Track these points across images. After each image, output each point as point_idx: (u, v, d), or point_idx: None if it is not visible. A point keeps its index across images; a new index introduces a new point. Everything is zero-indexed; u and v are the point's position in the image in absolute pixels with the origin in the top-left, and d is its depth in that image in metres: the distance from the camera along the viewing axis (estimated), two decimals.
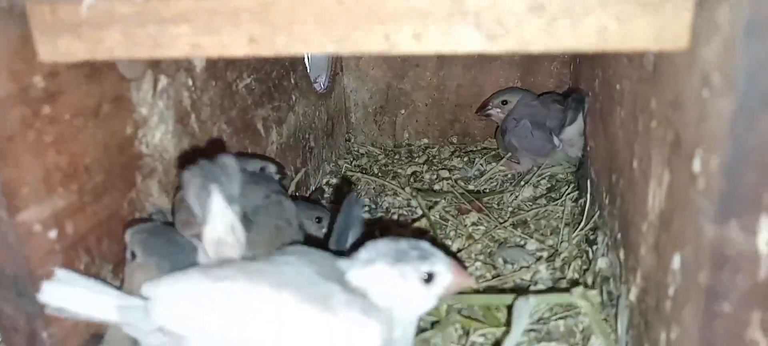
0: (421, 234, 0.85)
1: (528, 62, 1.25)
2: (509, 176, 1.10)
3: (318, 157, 1.16)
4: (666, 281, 0.46)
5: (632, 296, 0.58)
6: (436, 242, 0.54)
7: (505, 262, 0.79)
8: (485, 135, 1.31)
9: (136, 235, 0.56)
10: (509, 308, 0.64)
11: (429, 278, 0.51)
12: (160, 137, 0.65)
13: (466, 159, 1.20)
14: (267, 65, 0.93)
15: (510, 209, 0.96)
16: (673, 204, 0.44)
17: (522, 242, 0.84)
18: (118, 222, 0.59)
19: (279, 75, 0.98)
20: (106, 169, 0.57)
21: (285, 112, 1.00)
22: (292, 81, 1.04)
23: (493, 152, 1.22)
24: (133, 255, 0.56)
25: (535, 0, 0.38)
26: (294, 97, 1.04)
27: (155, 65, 0.64)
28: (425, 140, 1.34)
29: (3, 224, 0.47)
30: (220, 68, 0.78)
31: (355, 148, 1.33)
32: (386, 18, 0.40)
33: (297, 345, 0.48)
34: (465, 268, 0.58)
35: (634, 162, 0.59)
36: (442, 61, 1.28)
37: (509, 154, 1.13)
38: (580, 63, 1.10)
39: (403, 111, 1.34)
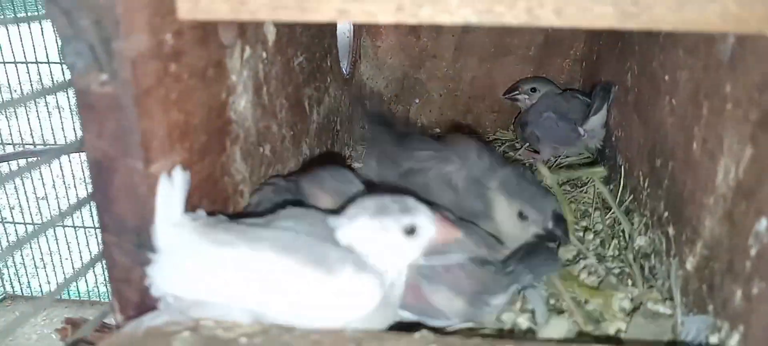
0: None
1: (541, 58, 1.31)
2: (527, 164, 1.16)
3: (341, 141, 1.19)
4: (746, 244, 0.51)
5: (689, 266, 0.64)
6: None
7: None
8: (496, 126, 1.37)
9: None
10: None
11: (411, 231, 0.54)
12: (243, 105, 0.67)
13: None
14: (313, 45, 0.95)
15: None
16: (759, 174, 0.50)
17: None
18: (211, 184, 0.61)
19: (321, 56, 1.00)
20: (208, 131, 0.59)
21: (322, 94, 1.03)
22: (328, 64, 1.06)
23: (507, 143, 1.28)
24: None
25: None
26: (328, 80, 1.07)
27: (242, 34, 0.66)
28: (437, 130, 1.38)
29: (136, 175, 0.49)
30: (283, 44, 0.80)
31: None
32: None
33: (300, 306, 0.50)
34: (451, 223, 0.59)
35: (693, 144, 0.64)
36: (459, 53, 1.33)
37: (527, 144, 1.19)
38: (597, 60, 1.17)
39: (417, 100, 1.39)
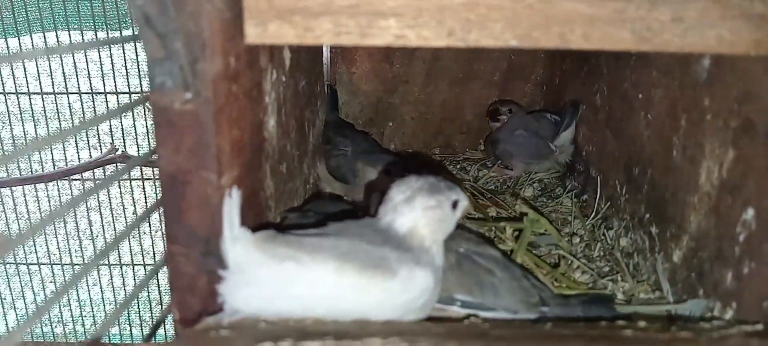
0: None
1: (504, 82, 1.42)
2: (501, 180, 1.25)
3: (323, 162, 1.23)
4: (734, 232, 0.61)
5: (676, 258, 0.73)
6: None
7: (539, 246, 0.92)
8: (465, 147, 1.45)
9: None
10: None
11: (455, 205, 0.63)
12: (272, 126, 0.72)
13: (458, 167, 1.32)
14: (311, 70, 1.00)
15: (516, 206, 1.10)
16: (743, 172, 0.59)
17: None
18: (253, 198, 0.65)
19: (315, 81, 1.05)
20: (252, 148, 0.63)
21: (315, 117, 1.08)
22: (319, 88, 1.11)
23: (478, 162, 1.36)
24: None
25: (676, 13, 0.52)
26: (319, 104, 1.12)
27: (272, 58, 0.70)
28: (410, 151, 1.45)
29: (210, 187, 0.53)
30: (294, 68, 0.85)
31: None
32: (563, 21, 0.52)
33: (368, 308, 0.55)
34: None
35: (673, 152, 0.74)
36: (430, 78, 1.42)
37: (499, 161, 1.28)
38: (560, 83, 1.28)
39: (391, 123, 1.45)
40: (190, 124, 0.50)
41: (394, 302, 0.55)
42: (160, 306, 2.14)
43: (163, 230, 0.55)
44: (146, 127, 2.06)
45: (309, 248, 0.54)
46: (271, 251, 0.53)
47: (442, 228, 0.62)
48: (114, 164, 1.66)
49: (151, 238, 2.10)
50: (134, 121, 2.11)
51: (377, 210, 0.64)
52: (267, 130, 0.69)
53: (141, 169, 1.93)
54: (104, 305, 2.20)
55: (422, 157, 1.37)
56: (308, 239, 0.56)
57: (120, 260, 2.09)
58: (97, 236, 2.14)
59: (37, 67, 2.01)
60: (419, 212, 0.59)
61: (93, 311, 2.22)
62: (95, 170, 1.90)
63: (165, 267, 0.63)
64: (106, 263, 2.06)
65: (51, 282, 2.18)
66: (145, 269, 2.10)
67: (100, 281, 2.15)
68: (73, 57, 1.97)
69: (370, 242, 0.57)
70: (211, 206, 0.53)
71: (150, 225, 2.07)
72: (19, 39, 2.22)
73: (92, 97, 1.97)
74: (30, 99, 2.02)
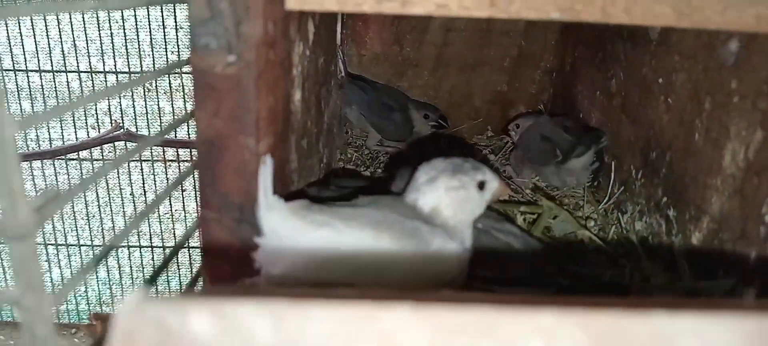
0: None
1: (514, 69, 1.42)
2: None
3: (335, 142, 1.23)
4: (759, 213, 0.61)
5: (695, 240, 0.74)
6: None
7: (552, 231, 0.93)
8: (473, 133, 1.45)
9: None
10: None
11: (482, 186, 0.63)
12: (297, 99, 0.71)
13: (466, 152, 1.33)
14: (328, 47, 1.00)
15: (528, 190, 1.10)
16: None
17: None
18: (281, 169, 0.65)
19: (330, 59, 1.05)
20: (283, 118, 0.63)
21: (329, 95, 1.07)
22: (333, 67, 1.11)
23: (485, 147, 1.37)
24: None
25: None
26: (332, 83, 1.11)
27: (299, 30, 0.70)
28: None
29: (247, 152, 0.52)
30: (314, 43, 0.84)
31: (353, 140, 1.41)
32: None
33: (398, 275, 0.55)
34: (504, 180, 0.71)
35: (695, 135, 0.75)
36: (439, 63, 1.41)
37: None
38: (572, 70, 1.28)
39: None
40: (232, 88, 0.50)
41: (426, 272, 0.55)
42: (155, 288, 2.14)
43: (195, 196, 0.54)
44: (146, 107, 2.04)
45: (344, 216, 0.54)
46: (308, 218, 0.53)
47: (467, 209, 0.62)
48: (116, 142, 1.65)
49: (148, 221, 2.09)
50: (133, 101, 2.08)
51: (404, 190, 0.64)
52: (293, 103, 0.69)
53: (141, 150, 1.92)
54: (98, 285, 2.20)
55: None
56: (342, 208, 0.57)
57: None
58: (93, 217, 2.13)
59: (36, 45, 1.98)
60: (442, 192, 0.60)
61: (87, 293, 2.21)
62: (93, 150, 1.88)
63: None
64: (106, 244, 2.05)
65: (45, 261, 2.16)
66: (140, 252, 2.09)
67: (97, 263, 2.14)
68: (73, 35, 1.95)
69: (401, 215, 0.57)
70: (247, 172, 0.53)
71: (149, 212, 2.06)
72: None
73: (91, 76, 1.95)
74: (27, 76, 2.00)
